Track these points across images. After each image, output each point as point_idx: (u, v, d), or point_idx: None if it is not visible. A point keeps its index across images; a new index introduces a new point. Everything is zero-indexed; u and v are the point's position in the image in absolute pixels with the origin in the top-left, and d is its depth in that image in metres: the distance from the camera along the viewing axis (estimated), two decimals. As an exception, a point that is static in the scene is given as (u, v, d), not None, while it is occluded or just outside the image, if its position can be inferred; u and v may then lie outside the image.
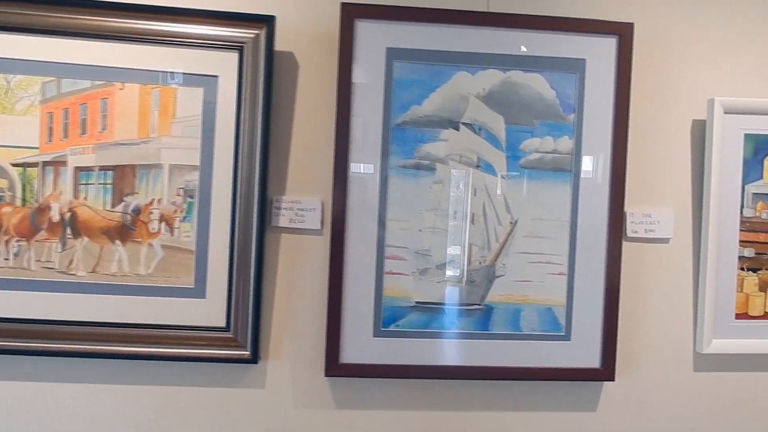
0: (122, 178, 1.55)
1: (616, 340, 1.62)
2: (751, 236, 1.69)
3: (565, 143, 1.61)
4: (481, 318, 1.60)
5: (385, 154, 1.57)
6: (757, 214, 1.69)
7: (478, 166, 1.60)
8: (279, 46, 1.59)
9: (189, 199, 1.56)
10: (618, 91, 1.60)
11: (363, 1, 1.56)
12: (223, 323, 1.57)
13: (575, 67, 1.60)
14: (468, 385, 1.64)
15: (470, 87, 1.58)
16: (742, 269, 1.69)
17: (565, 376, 1.63)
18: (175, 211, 1.56)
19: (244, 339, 1.57)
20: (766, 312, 1.70)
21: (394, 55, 1.56)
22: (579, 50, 1.60)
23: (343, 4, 1.54)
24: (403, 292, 1.59)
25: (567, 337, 1.62)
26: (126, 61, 1.53)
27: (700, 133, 1.68)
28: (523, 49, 1.59)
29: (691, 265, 1.70)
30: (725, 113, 1.66)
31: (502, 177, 1.60)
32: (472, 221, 1.60)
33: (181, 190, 1.56)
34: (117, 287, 1.56)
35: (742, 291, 1.69)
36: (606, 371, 1.63)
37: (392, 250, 1.58)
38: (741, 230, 1.68)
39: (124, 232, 1.56)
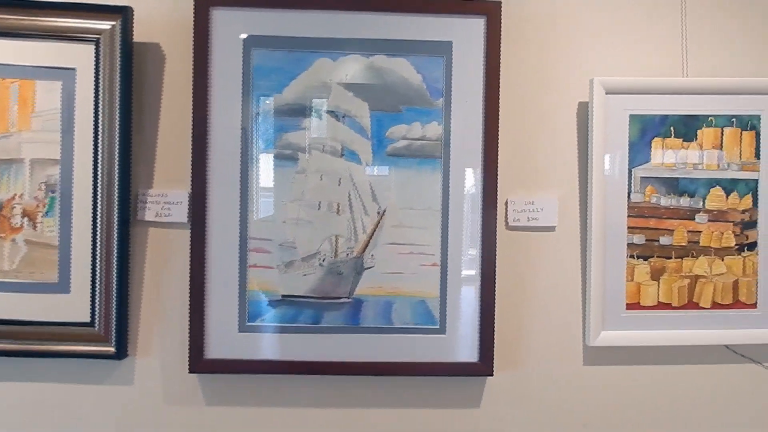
0: (-17, 174, 1.55)
1: (493, 333, 1.56)
2: (641, 222, 1.60)
3: (434, 129, 1.55)
4: (350, 311, 1.55)
5: (245, 145, 1.53)
6: (647, 198, 1.60)
7: (342, 155, 1.55)
8: (144, 37, 1.57)
9: (51, 194, 1.55)
10: (487, 73, 1.54)
11: (219, -11, 1.53)
12: (87, 319, 1.55)
13: (442, 49, 1.55)
14: (342, 382, 1.59)
15: (332, 73, 1.54)
16: (632, 257, 1.60)
17: (441, 371, 1.56)
18: (38, 206, 1.55)
19: (109, 335, 1.55)
20: (660, 302, 1.61)
21: (252, 42, 1.53)
22: (445, 32, 1.55)
23: (196, -8, 1.51)
24: (268, 286, 1.55)
25: (442, 331, 1.56)
26: (-17, 55, 1.53)
27: (586, 116, 1.60)
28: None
29: (579, 254, 1.62)
30: (607, 94, 1.58)
31: (368, 165, 1.55)
32: (338, 212, 1.55)
33: (43, 184, 1.55)
34: (-19, 283, 1.55)
35: (632, 280, 1.60)
36: (484, 366, 1.56)
37: (256, 242, 1.54)
38: (629, 216, 1.60)
39: (-13, 228, 1.55)
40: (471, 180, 1.55)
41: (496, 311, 1.58)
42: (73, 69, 1.54)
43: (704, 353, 1.63)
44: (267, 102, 1.53)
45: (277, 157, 1.54)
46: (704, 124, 1.60)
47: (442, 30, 1.54)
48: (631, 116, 1.59)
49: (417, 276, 1.55)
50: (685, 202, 1.61)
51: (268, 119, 1.53)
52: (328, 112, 1.54)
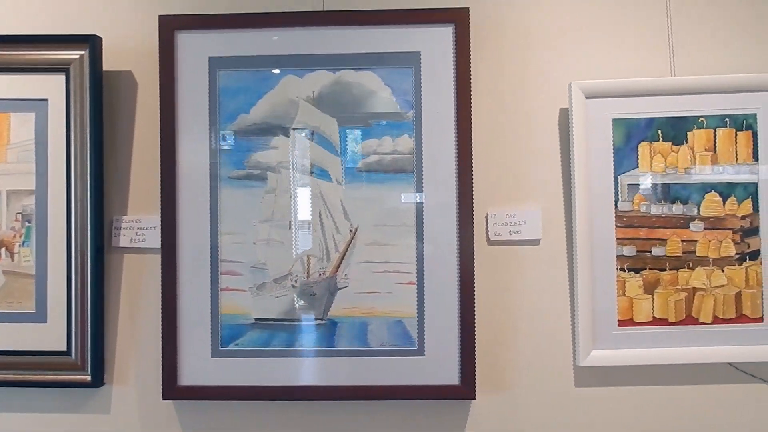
0: (-37, 206, 1.57)
1: (474, 354, 1.48)
2: (630, 232, 1.51)
3: (405, 142, 1.50)
4: (324, 333, 1.50)
5: (214, 166, 1.52)
6: (635, 207, 1.51)
7: (312, 173, 1.51)
8: (116, 65, 1.58)
9: (27, 224, 1.56)
10: (458, 82, 1.49)
11: (184, 12, 1.53)
12: (64, 347, 1.54)
13: (410, 60, 1.50)
14: (320, 407, 1.53)
15: (299, 90, 1.51)
16: (623, 270, 1.51)
17: (421, 395, 1.49)
18: (14, 236, 1.56)
19: (84, 363, 1.54)
20: (655, 317, 1.51)
21: (217, 64, 1.52)
22: (413, 43, 1.50)
23: (161, 17, 1.52)
24: (241, 309, 1.51)
25: (420, 352, 1.49)
26: (-40, 91, 1.56)
27: (567, 122, 1.53)
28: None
29: (567, 268, 1.54)
30: (587, 98, 1.51)
31: (338, 182, 1.51)
32: (308, 231, 1.51)
33: (19, 215, 1.56)
34: (-38, 315, 1.56)
35: (624, 294, 1.51)
36: (466, 388, 1.48)
37: (227, 265, 1.52)
38: (618, 226, 1.51)
39: (-33, 259, 1.57)
40: (445, 193, 1.49)
41: (478, 331, 1.51)
42: (45, 100, 1.55)
43: (706, 372, 1.51)
44: (234, 123, 1.51)
45: (246, 177, 1.51)
46: (695, 126, 1.50)
47: (409, 41, 1.50)
48: (615, 120, 1.51)
49: (393, 295, 1.50)
50: (677, 209, 1.51)
51: (236, 140, 1.52)
52: (296, 129, 1.51)
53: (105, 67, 1.57)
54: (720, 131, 1.50)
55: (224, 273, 1.51)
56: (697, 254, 1.50)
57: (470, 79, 1.49)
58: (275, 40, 1.51)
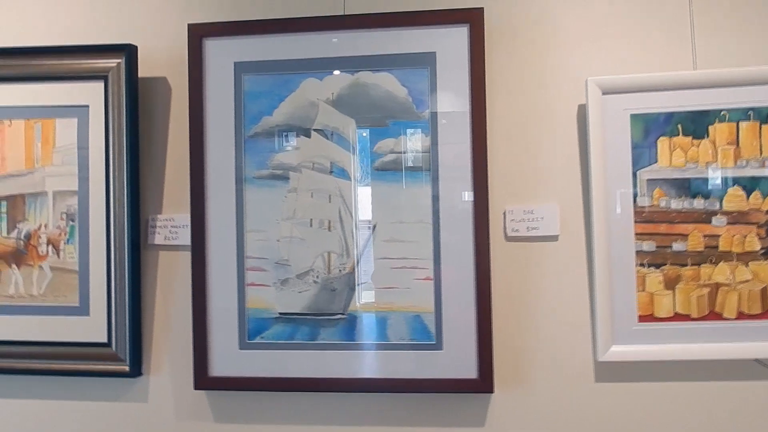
0: (14, 206, 1.69)
1: (491, 348, 1.50)
2: (650, 228, 1.50)
3: (422, 141, 1.54)
4: (345, 328, 1.55)
5: (239, 167, 1.59)
6: (655, 202, 1.50)
7: (331, 172, 1.57)
8: (150, 72, 1.68)
9: (71, 223, 1.67)
10: (473, 81, 1.51)
11: (211, 20, 1.60)
12: (105, 339, 1.64)
13: (425, 61, 1.54)
14: (342, 399, 1.58)
15: (319, 92, 1.57)
16: (643, 265, 1.50)
17: (439, 388, 1.52)
18: (60, 234, 1.67)
19: (123, 354, 1.63)
20: (677, 313, 1.49)
21: (242, 69, 1.59)
22: (428, 44, 1.54)
23: (190, 25, 1.60)
24: (266, 304, 1.58)
25: (438, 346, 1.52)
26: (11, 99, 1.68)
27: (585, 119, 1.53)
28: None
29: (585, 263, 1.54)
30: (604, 94, 1.50)
31: (357, 181, 1.55)
32: (329, 228, 1.56)
33: (64, 214, 1.67)
34: (15, 308, 1.69)
35: (644, 290, 1.50)
36: (484, 382, 1.50)
37: (252, 261, 1.58)
38: (637, 222, 1.50)
39: (18, 256, 1.69)
40: (461, 190, 1.52)
41: (497, 326, 1.53)
42: (86, 106, 1.66)
43: (730, 368, 1.48)
44: (258, 125, 1.58)
45: (269, 177, 1.58)
46: (716, 120, 1.48)
47: (425, 42, 1.53)
48: (633, 116, 1.50)
49: (411, 290, 1.53)
50: (699, 204, 1.49)
51: (260, 141, 1.58)
52: (316, 130, 1.57)
53: (141, 74, 1.66)
54: (743, 124, 1.47)
55: (249, 269, 1.58)
56: (720, 249, 1.48)
57: (485, 77, 1.51)
58: (295, 44, 1.57)
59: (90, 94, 1.65)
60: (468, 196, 1.51)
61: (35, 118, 1.68)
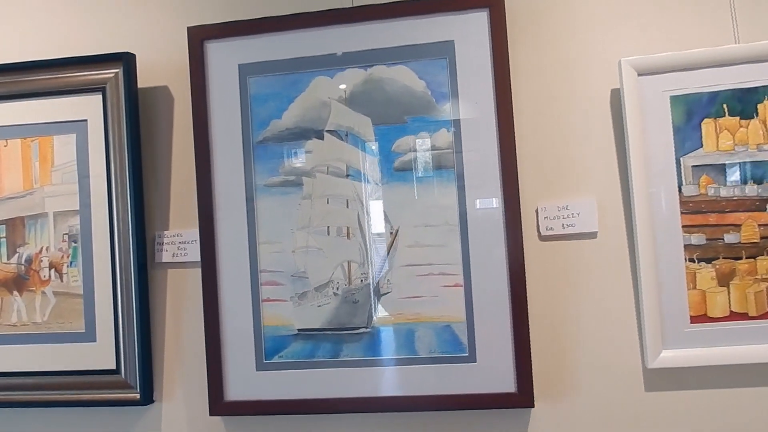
0: (14, 230, 1.60)
1: (530, 359, 1.37)
2: (699, 219, 1.37)
3: (444, 137, 1.42)
4: (369, 342, 1.44)
5: (249, 175, 1.48)
6: (702, 190, 1.37)
7: (348, 175, 1.46)
8: (151, 81, 1.58)
9: (74, 244, 1.57)
10: (496, 69, 1.40)
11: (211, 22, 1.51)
12: (113, 366, 1.54)
13: (443, 51, 1.42)
14: (368, 419, 1.46)
15: (330, 91, 1.46)
16: (692, 260, 1.37)
17: (474, 404, 1.40)
18: (63, 257, 1.58)
19: (134, 381, 1.53)
20: (732, 312, 1.35)
21: (247, 71, 1.49)
22: (445, 32, 1.43)
23: (190, 28, 1.50)
24: (283, 320, 1.47)
25: (472, 359, 1.40)
26: (6, 118, 1.59)
27: (620, 104, 1.41)
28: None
29: (628, 261, 1.41)
30: (640, 75, 1.38)
31: (376, 183, 1.44)
32: (348, 236, 1.45)
33: (66, 236, 1.58)
34: (18, 337, 1.59)
35: (695, 288, 1.37)
36: (523, 396, 1.37)
37: (267, 275, 1.47)
38: (683, 213, 1.37)
39: (19, 282, 1.60)
40: (489, 188, 1.40)
41: (534, 333, 1.40)
42: (85, 120, 1.57)
43: (797, 370, 1.34)
44: (267, 129, 1.48)
45: (281, 184, 1.47)
46: (765, 96, 1.35)
47: (441, 30, 1.42)
48: (673, 98, 1.38)
49: (439, 299, 1.41)
50: (751, 190, 1.35)
51: (269, 147, 1.48)
52: (329, 131, 1.46)
53: (143, 84, 1.57)
54: (795, 100, 1.34)
55: (265, 283, 1.47)
56: (777, 239, 1.34)
57: (509, 65, 1.40)
58: (302, 41, 1.46)
59: (88, 107, 1.56)
60: (497, 194, 1.39)
61: (32, 137, 1.60)
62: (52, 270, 1.58)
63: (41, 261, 1.59)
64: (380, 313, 1.43)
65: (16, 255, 1.60)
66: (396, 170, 1.43)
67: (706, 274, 1.36)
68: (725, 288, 1.35)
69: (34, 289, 1.59)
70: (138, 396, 1.52)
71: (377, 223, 1.44)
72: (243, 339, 1.47)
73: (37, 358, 1.57)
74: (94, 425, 1.56)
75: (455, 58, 1.42)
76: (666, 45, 1.41)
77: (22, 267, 1.60)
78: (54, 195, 1.58)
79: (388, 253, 1.43)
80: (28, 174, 1.60)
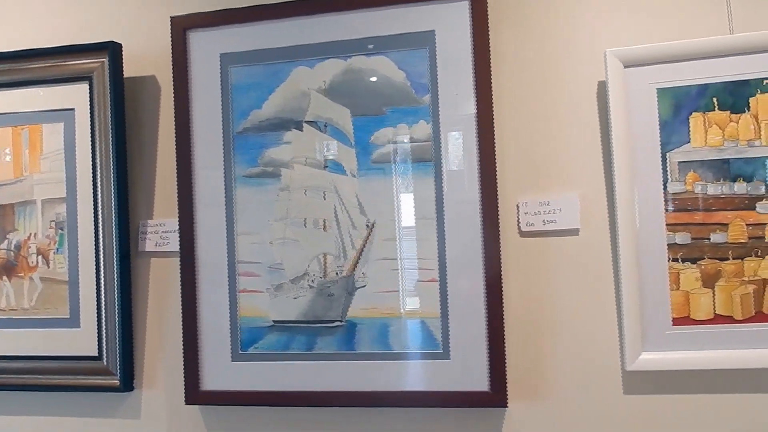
0: (4, 216, 1.63)
1: (504, 357, 1.34)
2: (684, 217, 1.32)
3: (423, 129, 1.39)
4: (343, 336, 1.42)
5: (228, 166, 1.48)
6: (689, 187, 1.32)
7: (325, 167, 1.44)
8: (139, 71, 1.59)
9: (60, 231, 1.59)
10: (476, 60, 1.36)
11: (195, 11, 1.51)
12: (95, 352, 1.55)
13: (424, 41, 1.40)
14: (342, 413, 1.45)
15: (310, 81, 1.44)
16: (676, 260, 1.32)
17: (446, 402, 1.37)
18: (49, 243, 1.60)
19: (115, 367, 1.54)
20: (717, 314, 1.30)
21: (228, 60, 1.48)
22: (426, 21, 1.40)
23: (173, 18, 1.50)
24: (259, 311, 1.46)
25: (446, 355, 1.37)
26: (-2, 107, 1.62)
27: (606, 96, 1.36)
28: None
29: (610, 260, 1.36)
30: (626, 67, 1.33)
31: (353, 175, 1.42)
32: (324, 228, 1.43)
33: (53, 222, 1.60)
34: (6, 321, 1.62)
35: (678, 289, 1.31)
36: (496, 395, 1.34)
37: (244, 266, 1.47)
38: (668, 211, 1.32)
39: (9, 267, 1.62)
40: (467, 182, 1.37)
41: (512, 332, 1.37)
42: (72, 109, 1.58)
43: (784, 377, 1.28)
44: (247, 119, 1.47)
45: (260, 175, 1.46)
46: (758, 90, 1.29)
47: (422, 19, 1.40)
48: (660, 90, 1.33)
49: (414, 294, 1.39)
50: (740, 188, 1.30)
51: (249, 137, 1.47)
52: (309, 122, 1.45)
53: (131, 73, 1.58)
54: (790, 94, 1.28)
55: (242, 274, 1.47)
56: (767, 240, 1.28)
57: (490, 55, 1.36)
58: (282, 31, 1.45)
59: (75, 96, 1.57)
60: (475, 188, 1.36)
61: (22, 125, 1.62)
62: (40, 256, 1.60)
63: (29, 247, 1.61)
64: (355, 306, 1.41)
65: (6, 241, 1.62)
66: (374, 162, 1.41)
67: (691, 274, 1.31)
68: (710, 289, 1.30)
69: (22, 274, 1.61)
70: (118, 383, 1.53)
71: (354, 216, 1.42)
72: (220, 329, 1.47)
73: (24, 343, 1.59)
74: (75, 410, 1.58)
75: (436, 49, 1.39)
76: (658, 34, 1.35)
77: (12, 253, 1.62)
78: (42, 183, 1.60)
79: (364, 246, 1.41)
80: (18, 162, 1.62)
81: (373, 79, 1.41)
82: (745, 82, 1.29)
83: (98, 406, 1.57)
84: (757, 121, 1.29)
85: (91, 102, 1.56)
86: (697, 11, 1.35)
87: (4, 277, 1.63)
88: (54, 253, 1.59)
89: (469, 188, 1.37)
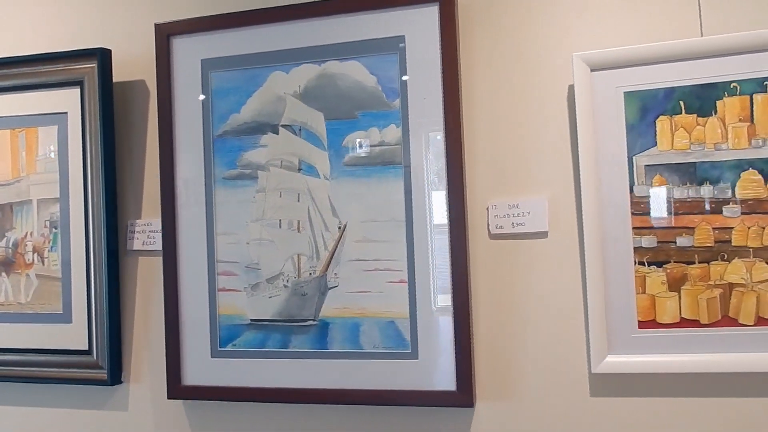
0: (3, 215, 1.71)
1: (470, 358, 1.36)
2: (650, 220, 1.31)
3: (393, 133, 1.42)
4: (316, 335, 1.46)
5: (209, 168, 1.52)
6: (655, 191, 1.31)
7: (300, 170, 1.48)
8: (130, 75, 1.65)
9: (54, 230, 1.66)
10: (445, 65, 1.38)
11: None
12: (85, 346, 1.62)
13: (394, 46, 1.42)
14: (317, 411, 1.48)
15: (286, 86, 1.48)
16: (642, 264, 1.32)
17: (415, 401, 1.40)
18: (44, 242, 1.67)
19: (103, 361, 1.60)
20: (683, 318, 1.30)
21: (209, 66, 1.53)
22: (396, 27, 1.42)
23: (157, 25, 1.55)
24: (237, 310, 1.51)
25: (414, 355, 1.40)
26: (-2, 110, 1.70)
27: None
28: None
29: (578, 263, 1.37)
30: (593, 71, 1.34)
31: (326, 178, 1.45)
32: (298, 229, 1.47)
33: (48, 222, 1.67)
34: (4, 315, 1.69)
35: (644, 292, 1.31)
36: (463, 395, 1.36)
37: (223, 265, 1.52)
38: (634, 214, 1.32)
39: (7, 264, 1.70)
40: (436, 185, 1.39)
41: (480, 333, 1.40)
42: (65, 113, 1.65)
43: (749, 383, 1.27)
44: (227, 123, 1.51)
45: (238, 177, 1.51)
46: (725, 93, 1.28)
47: (392, 25, 1.42)
48: (627, 94, 1.33)
49: (384, 294, 1.42)
50: (707, 192, 1.29)
51: (228, 140, 1.52)
52: (284, 126, 1.49)
53: (120, 78, 1.63)
54: (758, 97, 1.27)
55: (221, 273, 1.51)
56: (733, 244, 1.27)
57: (458, 60, 1.38)
58: (261, 37, 1.49)
59: (68, 100, 1.64)
60: (443, 190, 1.38)
61: (19, 128, 1.69)
62: (35, 254, 1.68)
63: (26, 245, 1.68)
64: (327, 306, 1.44)
65: (5, 239, 1.70)
66: (346, 165, 1.44)
67: (657, 278, 1.31)
68: (676, 293, 1.30)
69: (19, 271, 1.69)
70: (106, 376, 1.59)
71: (326, 218, 1.45)
72: (200, 326, 1.52)
73: (20, 336, 1.67)
74: (64, 402, 1.65)
75: (406, 54, 1.41)
76: (629, 38, 1.35)
77: (10, 250, 1.70)
78: (38, 183, 1.68)
79: (336, 247, 1.44)
80: (15, 163, 1.69)
81: (346, 83, 1.44)
82: (712, 85, 1.28)
83: (87, 398, 1.63)
84: (724, 125, 1.28)
85: (82, 106, 1.62)
86: (669, 13, 1.34)
87: (3, 273, 1.70)
88: (48, 251, 1.66)
89: (437, 191, 1.39)
